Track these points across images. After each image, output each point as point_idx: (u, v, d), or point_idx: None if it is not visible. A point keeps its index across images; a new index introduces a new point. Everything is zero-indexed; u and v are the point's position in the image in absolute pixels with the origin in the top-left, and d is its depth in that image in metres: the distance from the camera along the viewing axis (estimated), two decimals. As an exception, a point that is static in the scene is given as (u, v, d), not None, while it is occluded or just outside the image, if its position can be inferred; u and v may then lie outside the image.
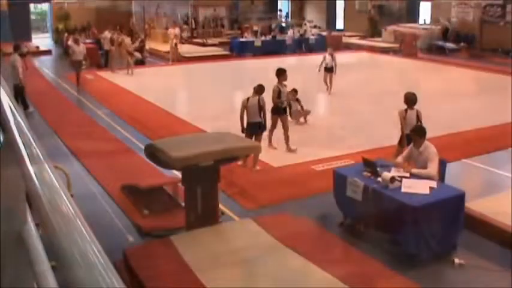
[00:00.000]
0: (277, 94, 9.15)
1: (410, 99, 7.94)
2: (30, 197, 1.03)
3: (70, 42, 17.79)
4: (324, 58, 14.80)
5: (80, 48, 16.50)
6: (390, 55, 23.03)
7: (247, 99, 8.68)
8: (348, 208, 6.52)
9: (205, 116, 11.93)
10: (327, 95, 14.47)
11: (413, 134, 6.64)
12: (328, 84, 14.56)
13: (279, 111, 9.27)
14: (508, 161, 9.04)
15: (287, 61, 21.31)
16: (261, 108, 8.58)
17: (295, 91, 11.28)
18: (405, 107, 7.94)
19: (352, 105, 13.45)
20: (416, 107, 7.97)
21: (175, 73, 18.65)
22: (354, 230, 6.56)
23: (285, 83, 9.39)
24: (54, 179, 1.02)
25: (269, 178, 8.29)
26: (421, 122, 7.76)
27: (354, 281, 5.05)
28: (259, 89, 8.78)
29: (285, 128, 9.32)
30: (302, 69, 18.02)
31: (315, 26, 26.96)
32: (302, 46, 24.21)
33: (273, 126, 9.39)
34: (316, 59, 21.57)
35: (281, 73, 9.32)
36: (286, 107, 9.55)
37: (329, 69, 14.59)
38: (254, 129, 8.60)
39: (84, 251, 0.78)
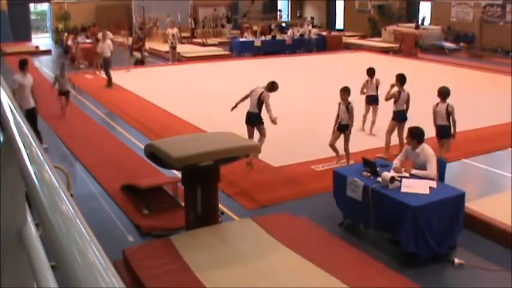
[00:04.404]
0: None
1: (442, 93, 8.17)
2: (30, 197, 1.03)
3: (99, 36, 16.90)
4: (367, 83, 10.46)
5: (107, 43, 15.93)
6: (390, 55, 23.02)
7: (254, 89, 8.71)
8: (348, 208, 6.53)
9: (204, 116, 11.92)
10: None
11: (408, 135, 6.63)
12: (371, 119, 10.48)
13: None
14: (508, 161, 9.05)
15: (288, 61, 21.36)
16: (260, 102, 8.52)
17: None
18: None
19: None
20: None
21: (174, 73, 18.63)
22: (354, 230, 6.57)
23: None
24: (54, 179, 1.02)
25: (269, 178, 8.29)
26: (449, 116, 8.02)
27: (354, 281, 5.05)
28: (270, 86, 8.66)
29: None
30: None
31: (314, 26, 26.91)
32: (301, 46, 24.19)
33: None
34: (316, 59, 21.66)
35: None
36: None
37: (373, 99, 10.43)
38: (250, 119, 8.63)
39: (84, 251, 0.78)
